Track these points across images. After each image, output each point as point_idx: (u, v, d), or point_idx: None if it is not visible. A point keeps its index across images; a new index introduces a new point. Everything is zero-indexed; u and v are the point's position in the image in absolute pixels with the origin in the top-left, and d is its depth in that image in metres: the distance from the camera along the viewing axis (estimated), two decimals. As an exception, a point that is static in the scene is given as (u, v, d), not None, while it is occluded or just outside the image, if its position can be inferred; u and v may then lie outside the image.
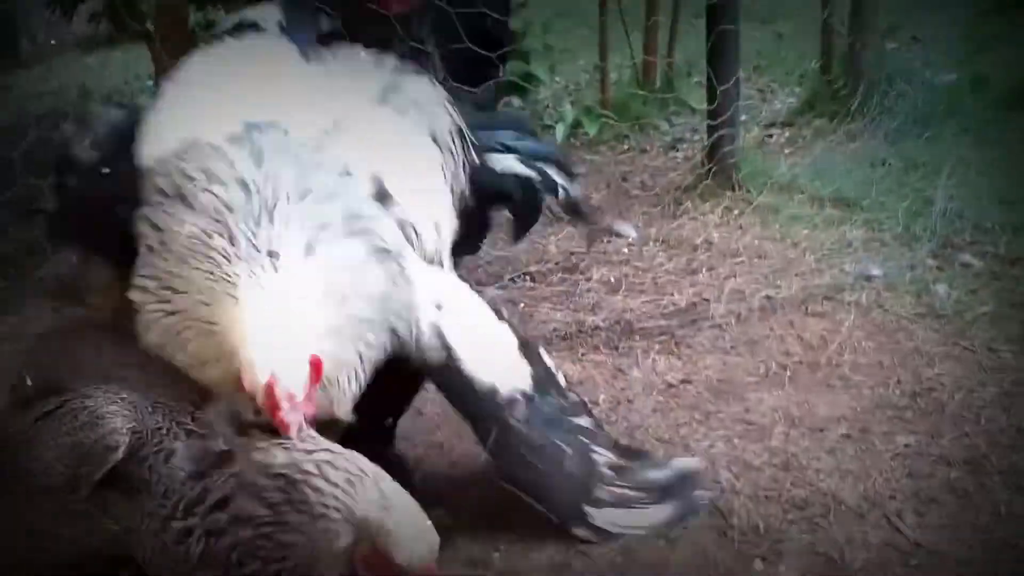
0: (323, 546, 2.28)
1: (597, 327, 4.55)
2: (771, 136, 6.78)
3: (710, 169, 5.78)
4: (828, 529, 3.25)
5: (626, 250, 5.36)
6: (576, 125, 6.96)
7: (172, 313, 2.59)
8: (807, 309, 4.58)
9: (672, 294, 4.80)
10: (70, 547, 2.71)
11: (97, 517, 2.60)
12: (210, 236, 2.58)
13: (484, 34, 4.09)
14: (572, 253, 5.32)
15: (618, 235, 5.48)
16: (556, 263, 5.17)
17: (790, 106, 7.60)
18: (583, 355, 4.37)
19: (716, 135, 5.65)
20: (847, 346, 4.25)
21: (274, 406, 2.36)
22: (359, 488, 2.31)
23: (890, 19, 7.33)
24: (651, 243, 5.40)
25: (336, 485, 2.31)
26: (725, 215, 5.60)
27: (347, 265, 2.72)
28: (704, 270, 5.01)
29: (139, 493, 2.50)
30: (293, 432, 2.38)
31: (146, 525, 2.48)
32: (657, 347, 4.38)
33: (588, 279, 5.01)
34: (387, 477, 2.39)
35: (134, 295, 2.63)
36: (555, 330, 4.56)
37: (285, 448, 2.39)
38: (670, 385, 4.12)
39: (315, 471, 2.33)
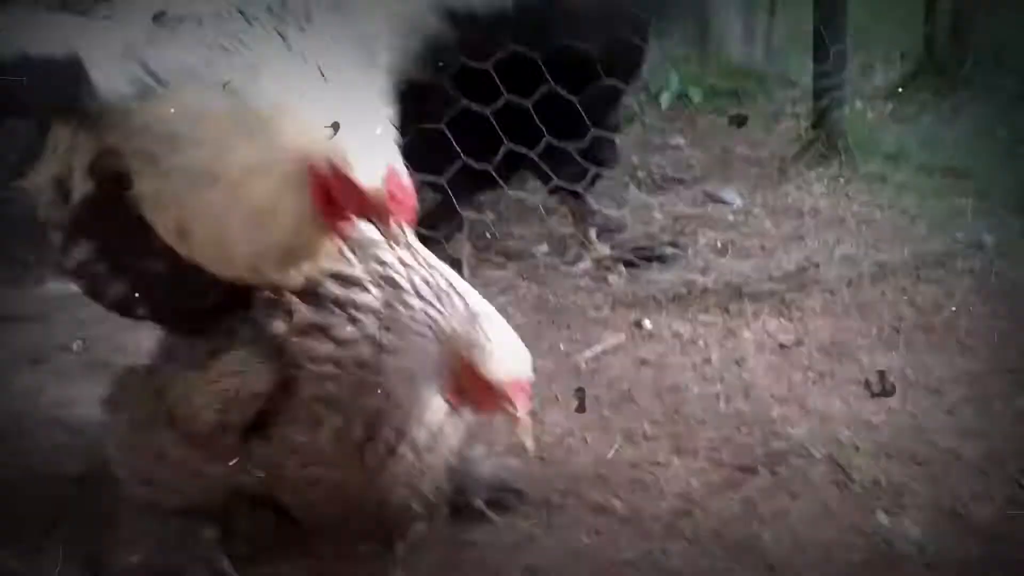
0: (417, 363, 2.34)
1: (706, 289, 4.56)
2: (875, 109, 6.72)
3: (816, 137, 5.75)
4: (951, 485, 3.24)
5: (731, 216, 5.36)
6: (681, 94, 6.95)
7: None
8: (919, 275, 4.56)
9: (780, 259, 4.77)
10: (217, 485, 2.79)
11: (243, 460, 2.66)
12: None
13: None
14: (677, 218, 5.32)
15: (722, 201, 5.48)
16: (661, 227, 5.17)
17: (893, 79, 7.55)
18: (694, 315, 4.37)
19: (824, 100, 5.63)
20: (962, 311, 4.24)
21: (392, 204, 2.27)
22: (447, 303, 2.36)
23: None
24: (756, 209, 5.40)
25: (427, 301, 2.35)
26: (831, 183, 5.59)
27: None
28: (812, 236, 4.99)
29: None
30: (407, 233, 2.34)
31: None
32: (767, 309, 4.39)
33: (695, 243, 4.99)
34: (474, 292, 2.45)
35: None
36: (664, 290, 4.55)
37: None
38: (782, 346, 4.13)
39: (408, 288, 2.36)
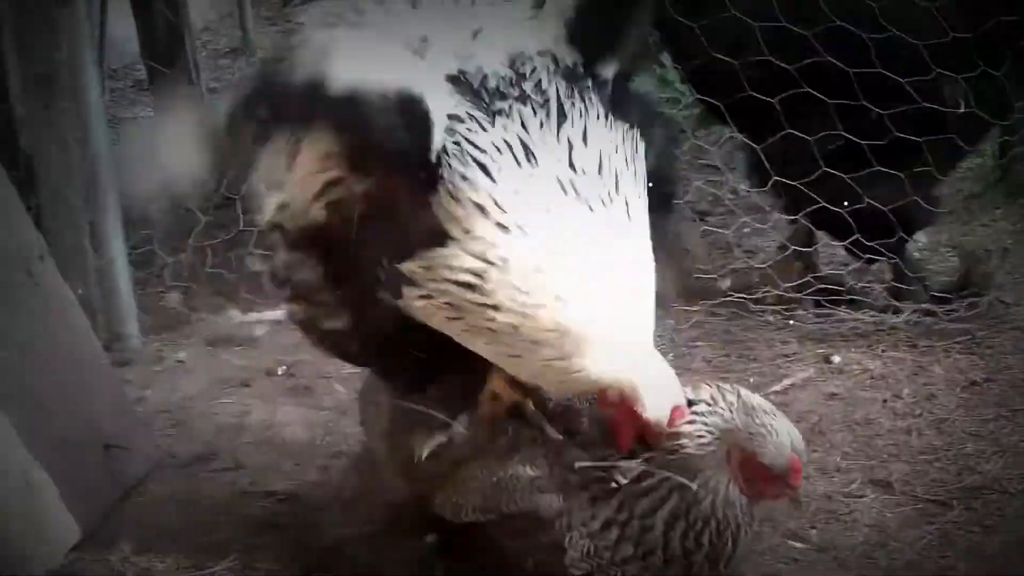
0: (704, 464, 2.49)
1: (895, 327, 4.58)
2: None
3: (1003, 178, 5.73)
4: None
5: (917, 255, 5.36)
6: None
7: None
8: (1111, 314, 4.54)
9: (968, 297, 4.78)
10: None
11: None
12: None
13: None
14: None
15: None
16: (845, 264, 5.20)
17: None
18: (883, 351, 4.42)
19: (1013, 147, 5.60)
20: None
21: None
22: (721, 401, 2.53)
23: None
24: (942, 249, 5.40)
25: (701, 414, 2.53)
26: (1019, 222, 5.56)
27: None
28: (1002, 274, 4.98)
29: None
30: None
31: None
32: (957, 347, 4.41)
33: (883, 282, 5.02)
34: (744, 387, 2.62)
35: None
36: (852, 328, 4.60)
37: None
38: (973, 383, 4.15)
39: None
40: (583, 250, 2.47)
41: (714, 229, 5.21)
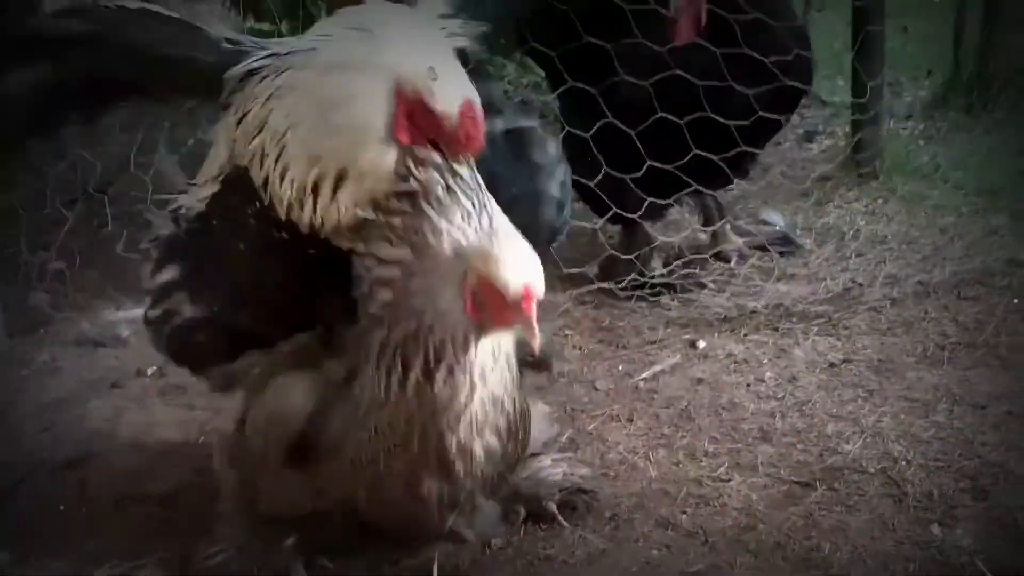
0: (438, 278, 2.53)
1: (756, 310, 4.72)
2: (905, 129, 6.87)
3: (854, 159, 5.91)
4: (1000, 498, 3.40)
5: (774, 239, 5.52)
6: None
7: None
8: (960, 293, 4.74)
9: (825, 279, 4.95)
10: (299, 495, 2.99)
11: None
12: None
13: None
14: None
15: (765, 223, 5.63)
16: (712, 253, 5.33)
17: (921, 99, 7.71)
18: (745, 335, 4.56)
19: (862, 129, 5.79)
20: (1003, 328, 4.40)
21: (471, 125, 2.59)
22: (472, 222, 2.58)
23: (1018, 11, 7.37)
24: (799, 231, 5.55)
25: (451, 222, 2.57)
26: (870, 204, 5.75)
27: None
28: (854, 256, 5.16)
29: None
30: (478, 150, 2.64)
31: None
32: (816, 329, 4.56)
33: (742, 266, 5.17)
34: (498, 211, 2.65)
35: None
36: (716, 313, 4.73)
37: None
38: (832, 364, 4.30)
39: (432, 213, 2.58)
40: None
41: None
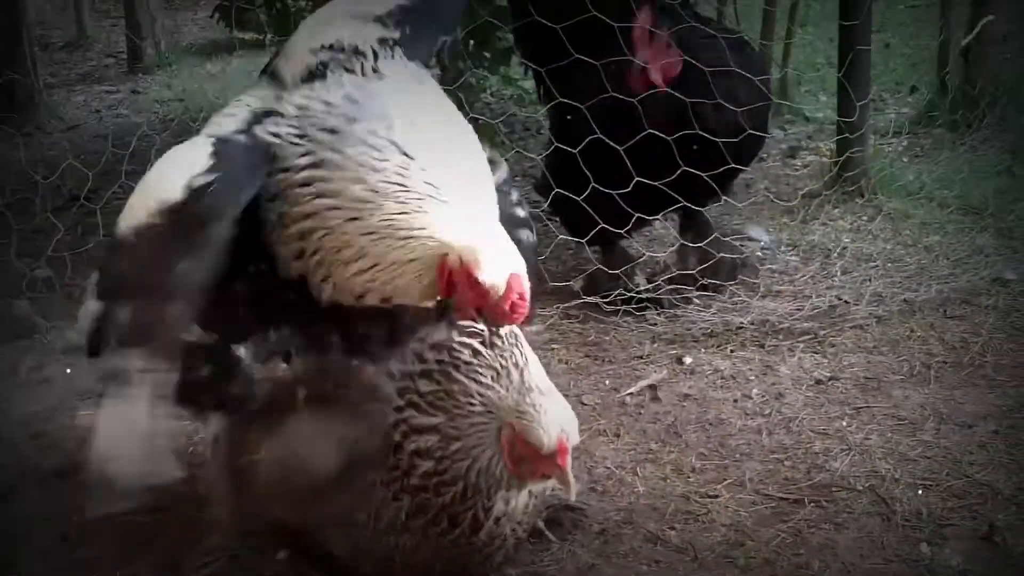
0: (474, 436, 2.55)
1: (742, 326, 4.73)
2: (889, 145, 6.89)
3: (840, 177, 5.93)
4: (988, 516, 3.41)
5: (760, 254, 5.54)
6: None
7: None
8: (946, 312, 4.76)
9: (811, 296, 4.96)
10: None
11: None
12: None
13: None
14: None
15: (750, 240, 5.65)
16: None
17: (904, 115, 7.75)
18: (732, 351, 4.56)
19: (849, 147, 5.82)
20: (989, 347, 4.42)
21: (515, 299, 2.58)
22: (503, 380, 2.58)
23: (1002, 28, 7.42)
24: (783, 247, 5.57)
25: (478, 382, 2.57)
26: (855, 221, 5.77)
27: None
28: (840, 274, 5.17)
29: None
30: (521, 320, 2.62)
31: None
32: (802, 346, 4.57)
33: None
34: (533, 366, 2.65)
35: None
36: (703, 328, 4.74)
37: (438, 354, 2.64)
38: (818, 381, 4.31)
39: (463, 378, 2.58)
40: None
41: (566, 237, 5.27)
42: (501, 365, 2.60)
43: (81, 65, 11.19)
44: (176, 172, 2.60)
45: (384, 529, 2.68)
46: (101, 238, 4.89)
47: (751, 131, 4.73)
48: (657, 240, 5.59)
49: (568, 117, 4.82)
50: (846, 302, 4.87)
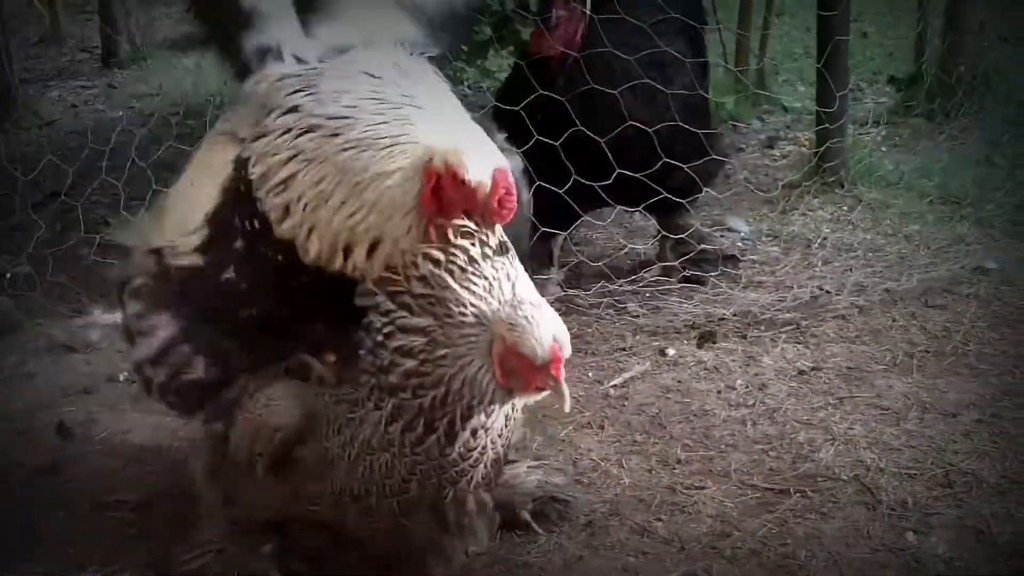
0: (465, 348, 2.54)
1: (724, 318, 4.74)
2: (868, 135, 6.92)
3: (820, 167, 5.94)
4: (973, 505, 3.43)
5: (740, 244, 5.55)
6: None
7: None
8: (927, 301, 4.78)
9: (792, 287, 4.97)
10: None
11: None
12: None
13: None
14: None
15: (731, 230, 5.66)
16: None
17: (882, 105, 7.78)
18: (714, 343, 4.56)
19: (829, 138, 5.83)
20: (971, 336, 4.44)
21: (502, 194, 2.58)
22: (495, 291, 2.57)
23: (979, 17, 7.45)
24: (764, 238, 5.59)
25: (477, 294, 2.57)
26: (835, 211, 5.79)
27: None
28: (821, 264, 5.19)
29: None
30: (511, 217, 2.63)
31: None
32: (784, 336, 4.58)
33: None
34: (524, 278, 2.66)
35: None
36: (685, 320, 4.74)
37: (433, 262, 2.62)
38: (801, 372, 4.32)
39: (456, 286, 2.58)
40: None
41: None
42: (494, 276, 2.59)
43: (56, 60, 11.11)
44: None
45: (360, 449, 2.68)
46: (82, 235, 4.86)
47: (684, 124, 4.71)
48: (638, 232, 5.56)
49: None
50: (828, 292, 4.88)
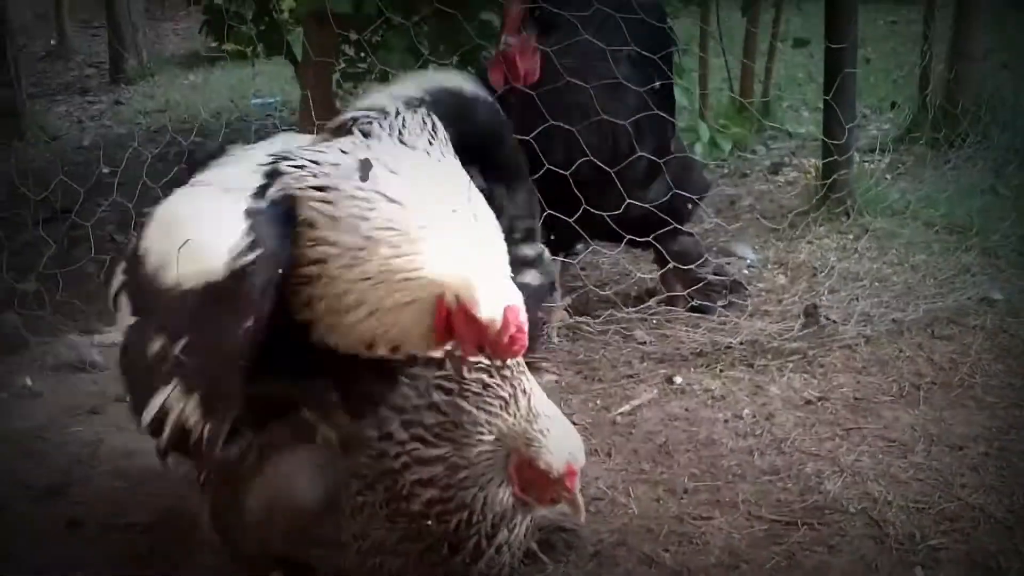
0: (482, 465, 2.59)
1: (731, 346, 4.75)
2: (870, 162, 6.94)
3: (826, 195, 5.96)
4: (981, 540, 3.42)
5: (746, 271, 5.57)
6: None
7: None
8: (933, 332, 4.78)
9: (799, 316, 4.97)
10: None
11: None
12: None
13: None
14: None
15: (737, 258, 5.68)
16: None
17: (886, 132, 7.80)
18: (721, 371, 4.58)
19: (836, 169, 5.85)
20: (977, 368, 4.45)
21: (513, 332, 2.56)
22: (511, 407, 2.63)
23: (984, 45, 7.48)
24: (770, 266, 5.60)
25: (487, 411, 2.62)
26: (842, 240, 5.81)
27: None
28: (828, 293, 5.20)
29: None
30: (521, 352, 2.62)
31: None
32: (791, 365, 4.58)
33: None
34: (538, 391, 2.70)
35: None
36: (692, 348, 4.75)
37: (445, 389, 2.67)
38: (808, 401, 4.32)
39: (472, 408, 2.63)
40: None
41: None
42: (509, 394, 2.61)
43: (63, 75, 11.15)
44: (214, 248, 2.59)
45: (370, 550, 2.68)
46: (93, 255, 4.87)
47: (644, 155, 4.73)
48: (644, 259, 5.58)
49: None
50: (834, 322, 4.88)
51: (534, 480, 2.55)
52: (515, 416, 2.60)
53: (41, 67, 11.31)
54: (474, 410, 2.61)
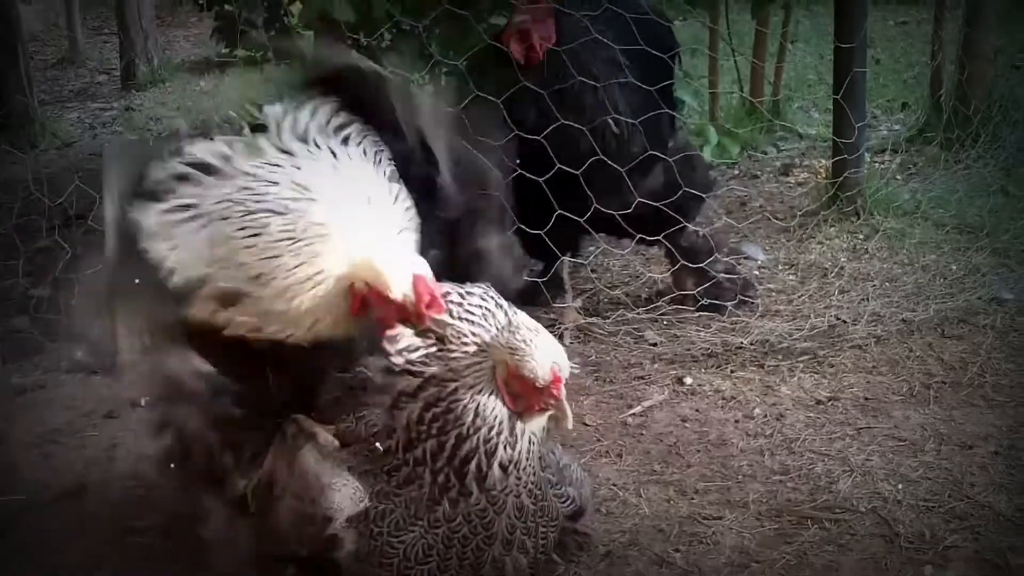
0: (473, 379, 2.60)
1: (741, 346, 4.76)
2: (881, 163, 6.94)
3: (836, 195, 5.96)
4: (990, 538, 3.44)
5: (757, 272, 5.57)
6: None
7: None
8: (944, 332, 4.79)
9: (809, 316, 4.98)
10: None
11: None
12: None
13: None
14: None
15: (747, 258, 5.69)
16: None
17: (897, 133, 7.80)
18: (732, 372, 4.59)
19: (847, 168, 5.85)
20: (987, 367, 4.45)
21: (427, 300, 2.62)
22: (491, 319, 2.67)
23: (994, 45, 7.47)
24: (780, 267, 5.61)
25: (472, 323, 2.65)
26: (851, 240, 5.81)
27: None
28: (838, 293, 5.21)
29: None
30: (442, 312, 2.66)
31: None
32: (801, 366, 4.59)
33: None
34: (511, 305, 2.76)
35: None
36: (702, 349, 4.76)
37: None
38: (818, 402, 4.33)
39: (455, 321, 2.66)
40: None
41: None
42: (487, 307, 2.69)
43: (74, 82, 11.19)
44: None
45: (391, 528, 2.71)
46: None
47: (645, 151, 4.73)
48: (655, 259, 5.59)
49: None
50: (844, 322, 4.90)
51: (520, 390, 2.56)
52: (496, 327, 2.65)
53: (53, 74, 11.35)
54: (456, 322, 2.65)
